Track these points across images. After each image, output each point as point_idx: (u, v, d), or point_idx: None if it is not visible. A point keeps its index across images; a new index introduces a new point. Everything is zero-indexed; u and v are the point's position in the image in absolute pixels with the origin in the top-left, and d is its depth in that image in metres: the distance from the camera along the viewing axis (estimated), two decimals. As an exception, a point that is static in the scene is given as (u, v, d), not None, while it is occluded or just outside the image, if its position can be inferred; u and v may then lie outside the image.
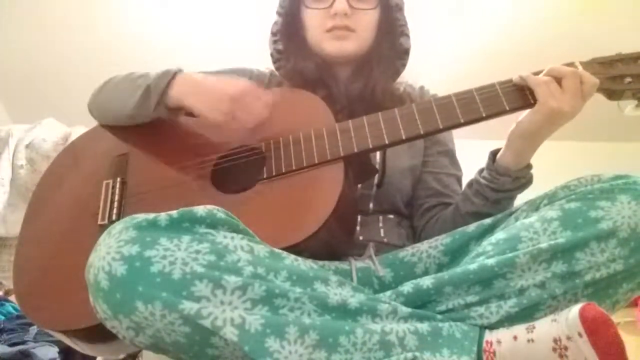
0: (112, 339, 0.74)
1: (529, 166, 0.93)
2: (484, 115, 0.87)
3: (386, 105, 0.96)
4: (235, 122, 0.90)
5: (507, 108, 0.88)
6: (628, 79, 0.87)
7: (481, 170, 0.97)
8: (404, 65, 1.09)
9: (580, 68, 0.87)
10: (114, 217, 0.91)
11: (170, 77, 0.94)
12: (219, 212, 0.70)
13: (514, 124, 0.91)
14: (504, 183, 0.92)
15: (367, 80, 1.04)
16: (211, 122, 0.91)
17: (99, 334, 0.74)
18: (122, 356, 1.34)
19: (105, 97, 1.05)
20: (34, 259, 0.93)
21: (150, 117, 0.98)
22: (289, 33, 1.09)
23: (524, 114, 0.89)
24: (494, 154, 0.95)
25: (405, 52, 1.08)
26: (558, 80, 0.85)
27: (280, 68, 1.10)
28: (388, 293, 0.77)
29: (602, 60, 0.89)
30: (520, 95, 0.88)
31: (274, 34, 1.11)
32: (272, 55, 1.11)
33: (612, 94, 0.89)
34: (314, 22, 1.04)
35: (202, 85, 0.93)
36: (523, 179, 0.93)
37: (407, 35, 1.09)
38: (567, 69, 0.86)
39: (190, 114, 0.97)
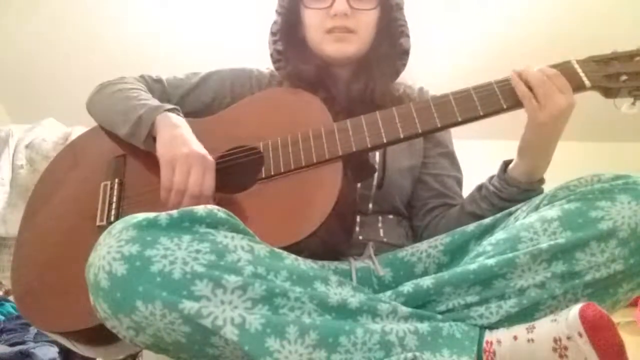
0: (110, 341, 0.75)
1: (541, 180, 0.93)
2: (481, 113, 0.88)
3: (386, 106, 0.96)
4: (169, 176, 0.87)
5: (505, 106, 0.88)
6: (624, 77, 0.87)
7: (491, 177, 0.97)
8: (404, 66, 1.09)
9: (576, 66, 0.88)
10: (112, 219, 0.91)
11: (158, 113, 0.94)
12: (219, 212, 0.70)
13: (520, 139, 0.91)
14: (512, 193, 0.92)
15: (367, 81, 1.04)
16: (158, 160, 0.89)
17: (98, 336, 0.74)
18: (121, 357, 1.34)
19: (101, 110, 1.05)
20: (32, 260, 0.93)
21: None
22: (289, 33, 1.09)
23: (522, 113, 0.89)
24: (506, 163, 0.95)
25: (405, 53, 1.08)
26: (531, 87, 0.86)
27: (280, 69, 1.09)
28: (388, 293, 0.77)
29: (598, 58, 0.90)
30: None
31: (273, 33, 1.10)
32: (272, 55, 1.10)
33: (608, 92, 0.88)
34: (313, 22, 1.04)
35: (177, 129, 0.92)
36: (533, 192, 0.92)
37: (407, 36, 1.08)
38: (532, 76, 0.86)
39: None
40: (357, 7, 1.01)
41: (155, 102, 0.99)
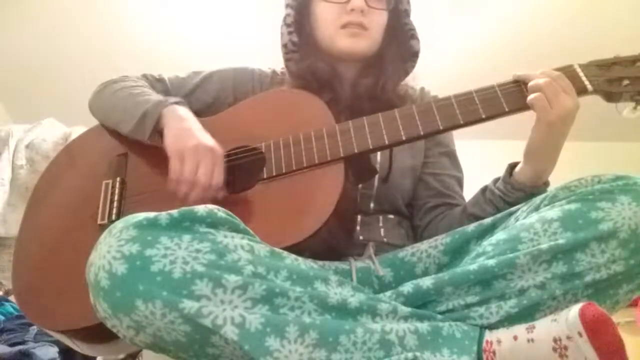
0: (111, 339, 0.74)
1: (547, 184, 0.92)
2: (483, 116, 0.88)
3: (394, 102, 0.96)
4: (178, 168, 0.87)
5: (506, 109, 0.88)
6: (626, 82, 0.88)
7: (496, 180, 0.96)
8: (412, 67, 1.09)
9: (579, 70, 0.88)
10: (113, 217, 0.91)
11: (164, 106, 0.95)
12: (220, 212, 0.70)
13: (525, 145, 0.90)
14: (518, 198, 0.92)
15: (378, 76, 1.04)
16: (167, 152, 0.89)
17: (98, 334, 0.74)
18: (122, 356, 1.34)
19: (104, 107, 1.05)
20: (32, 258, 0.93)
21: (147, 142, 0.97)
22: (299, 26, 1.08)
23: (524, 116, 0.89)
24: (512, 167, 0.95)
25: (415, 55, 1.08)
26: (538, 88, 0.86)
27: (290, 60, 1.06)
28: (388, 293, 0.77)
29: (600, 62, 0.90)
30: (519, 96, 0.88)
31: (288, 25, 1.08)
32: (285, 46, 1.07)
33: (610, 96, 0.89)
34: (328, 16, 1.03)
35: (185, 122, 0.93)
36: (538, 195, 0.91)
37: (417, 39, 1.09)
38: (538, 82, 0.86)
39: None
40: (372, 6, 1.02)
41: (159, 96, 0.99)
